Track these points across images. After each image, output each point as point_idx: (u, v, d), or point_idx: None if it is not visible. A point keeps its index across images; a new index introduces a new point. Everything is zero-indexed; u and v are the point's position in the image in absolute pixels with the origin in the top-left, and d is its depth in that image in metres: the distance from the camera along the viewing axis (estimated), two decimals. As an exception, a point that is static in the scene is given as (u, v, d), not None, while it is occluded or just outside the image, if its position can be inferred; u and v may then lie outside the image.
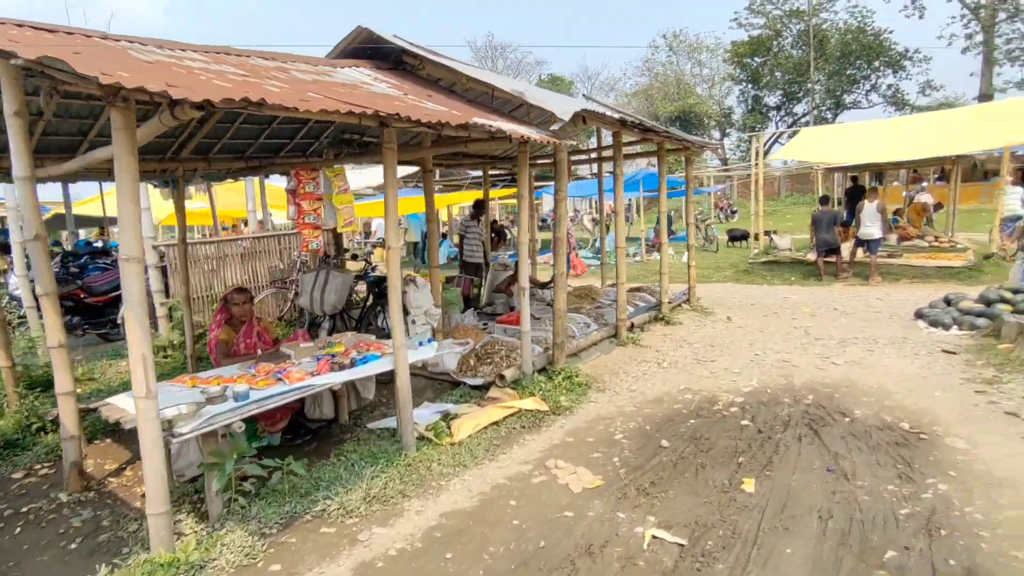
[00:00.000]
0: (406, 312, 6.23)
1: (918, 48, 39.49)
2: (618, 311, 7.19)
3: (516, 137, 4.38)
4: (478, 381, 5.61)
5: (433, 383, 6.06)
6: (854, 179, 17.51)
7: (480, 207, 9.91)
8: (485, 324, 7.80)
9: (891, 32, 39.14)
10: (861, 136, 13.89)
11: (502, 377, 5.37)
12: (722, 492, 3.71)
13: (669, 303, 8.86)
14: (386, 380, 5.91)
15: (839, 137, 14.39)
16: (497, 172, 13.50)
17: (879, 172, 21.83)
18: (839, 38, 39.29)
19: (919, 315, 7.92)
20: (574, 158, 10.58)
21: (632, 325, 7.62)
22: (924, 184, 22.75)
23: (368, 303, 6.64)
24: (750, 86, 44.25)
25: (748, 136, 45.41)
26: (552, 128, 4.96)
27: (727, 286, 12.08)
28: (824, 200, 12.73)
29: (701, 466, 4.08)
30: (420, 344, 4.61)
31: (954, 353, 6.34)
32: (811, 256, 12.29)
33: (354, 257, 8.17)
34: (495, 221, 22.93)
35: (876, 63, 39.47)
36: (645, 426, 4.86)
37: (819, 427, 4.63)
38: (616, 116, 5.74)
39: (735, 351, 6.90)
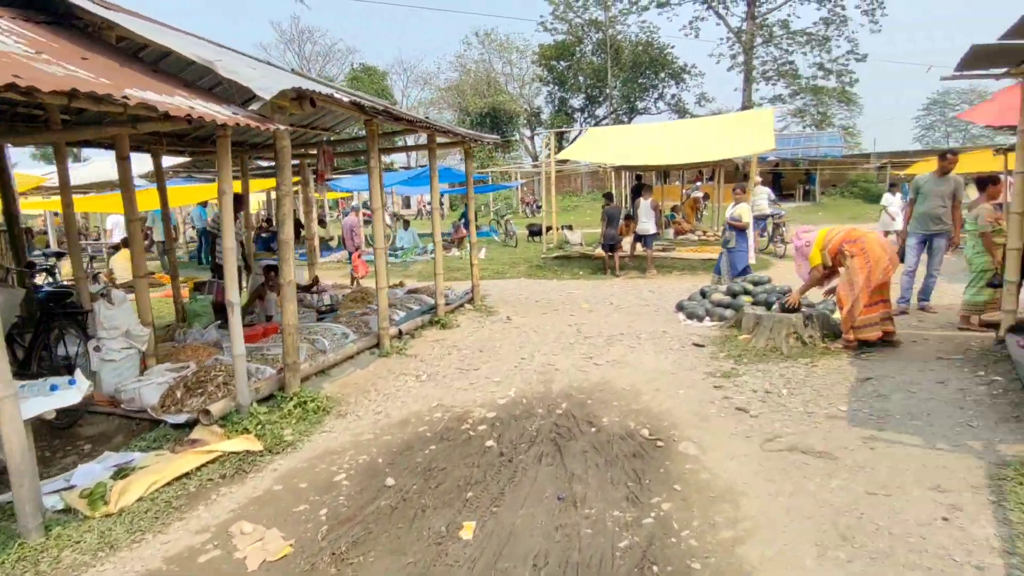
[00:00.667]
0: (89, 337, 4.90)
1: (695, 64, 44.25)
2: (379, 318, 6.43)
3: (181, 116, 3.37)
4: (181, 419, 4.49)
5: (130, 423, 4.80)
6: (638, 177, 18.63)
7: (238, 201, 8.53)
8: (230, 339, 6.59)
9: (673, 47, 43.30)
10: (639, 139, 14.61)
11: (207, 412, 4.32)
12: (435, 544, 3.10)
13: (449, 304, 8.32)
14: (62, 425, 4.58)
15: (620, 138, 15.02)
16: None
17: (665, 171, 23.61)
18: (631, 49, 42.46)
19: (679, 308, 8.21)
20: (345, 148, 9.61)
21: (400, 332, 6.91)
22: (699, 183, 25.14)
23: (41, 328, 5.08)
24: (557, 88, 46.27)
25: (551, 133, 47.76)
26: (252, 108, 4.02)
27: (520, 282, 11.95)
28: (609, 196, 13.15)
29: (422, 509, 3.45)
30: (54, 388, 3.40)
31: (702, 346, 6.51)
32: (599, 251, 12.59)
33: (29, 266, 6.30)
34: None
35: (662, 74, 43.34)
36: (378, 459, 4.14)
37: (564, 442, 4.26)
38: (347, 99, 4.92)
39: (503, 355, 6.49)
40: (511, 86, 46.86)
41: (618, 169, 20.33)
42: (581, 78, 44.37)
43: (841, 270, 6.06)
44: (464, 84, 41.84)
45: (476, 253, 9.22)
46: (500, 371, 5.95)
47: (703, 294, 8.39)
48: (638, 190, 16.76)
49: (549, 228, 15.25)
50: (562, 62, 44.64)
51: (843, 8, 36.51)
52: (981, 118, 8.72)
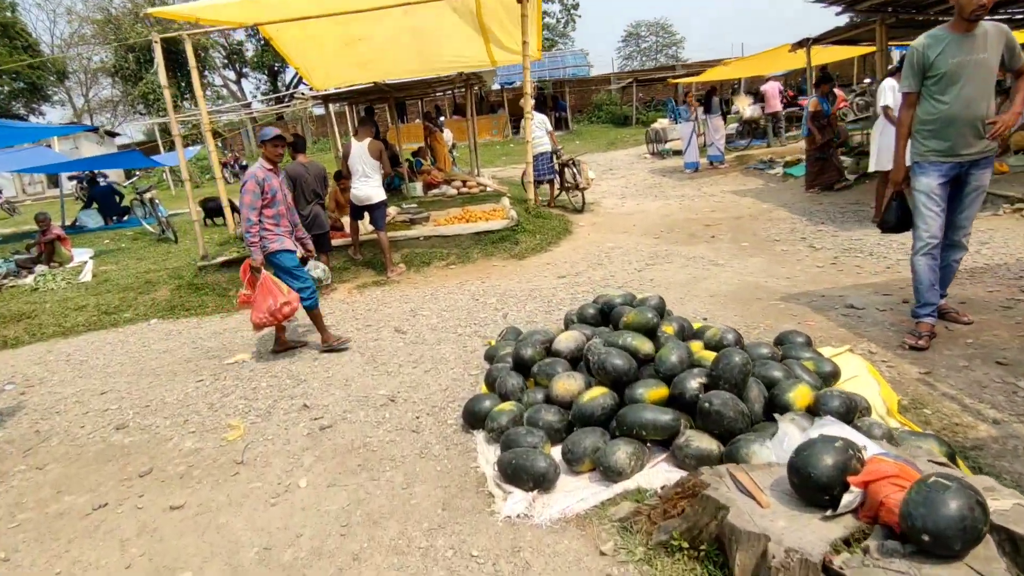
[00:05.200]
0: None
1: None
2: None
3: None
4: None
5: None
6: (368, 111, 12.65)
7: None
8: None
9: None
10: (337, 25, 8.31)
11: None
12: None
13: None
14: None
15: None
16: None
17: (397, 102, 17.76)
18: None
19: (472, 414, 3.01)
20: None
21: None
22: (443, 119, 20.05)
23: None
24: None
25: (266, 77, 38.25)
26: None
27: (133, 336, 5.60)
28: (295, 145, 6.58)
29: None
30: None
31: None
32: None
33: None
34: None
35: None
36: None
37: None
38: None
39: None
40: (195, 12, 35.82)
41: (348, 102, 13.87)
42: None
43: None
44: (119, 8, 30.25)
45: None
46: None
47: (522, 363, 3.25)
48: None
49: (208, 212, 8.76)
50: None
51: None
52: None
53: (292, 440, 3.22)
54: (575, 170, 9.07)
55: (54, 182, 25.23)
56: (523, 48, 7.77)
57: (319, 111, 29.40)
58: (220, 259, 7.07)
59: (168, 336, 5.47)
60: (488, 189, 10.68)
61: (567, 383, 2.86)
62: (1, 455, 3.51)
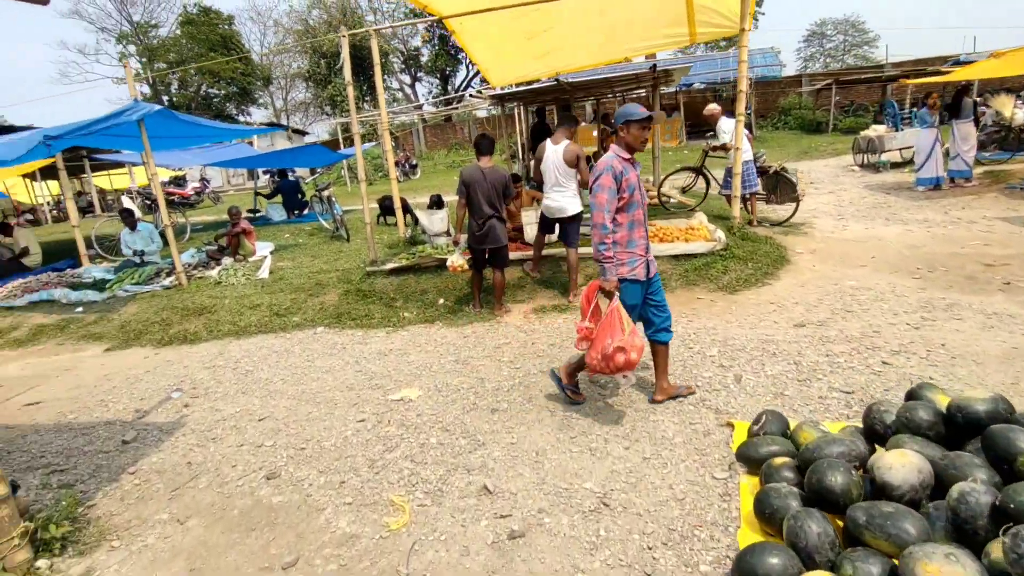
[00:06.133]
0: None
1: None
2: None
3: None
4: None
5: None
6: (539, 112, 11.92)
7: None
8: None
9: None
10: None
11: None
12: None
13: None
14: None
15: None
16: None
17: (567, 104, 17.08)
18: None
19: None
20: None
21: None
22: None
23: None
24: (435, 26, 38.26)
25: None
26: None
27: (298, 346, 5.23)
28: (481, 145, 5.93)
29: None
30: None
31: None
32: (455, 261, 5.87)
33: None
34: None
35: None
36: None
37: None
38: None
39: None
40: (384, 23, 38.38)
41: (523, 101, 13.26)
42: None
43: None
44: (316, 20, 33.07)
45: None
46: None
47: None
48: (542, 131, 10.16)
49: (384, 210, 8.44)
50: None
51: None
52: None
53: (472, 549, 2.34)
54: (793, 178, 7.54)
55: (252, 175, 28.13)
56: (740, 37, 6.45)
57: (482, 113, 29.87)
58: (388, 266, 6.63)
59: (332, 351, 5.00)
60: (672, 201, 9.47)
61: (948, 572, 1.63)
62: (148, 491, 3.07)
